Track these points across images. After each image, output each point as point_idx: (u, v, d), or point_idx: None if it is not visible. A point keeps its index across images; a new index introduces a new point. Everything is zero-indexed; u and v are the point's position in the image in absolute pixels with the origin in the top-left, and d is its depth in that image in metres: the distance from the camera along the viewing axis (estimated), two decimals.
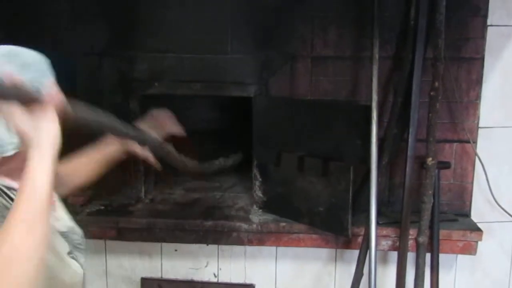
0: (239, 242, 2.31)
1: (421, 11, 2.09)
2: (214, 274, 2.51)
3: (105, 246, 2.54)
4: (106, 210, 2.45)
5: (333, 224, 2.12)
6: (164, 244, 2.50)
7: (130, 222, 2.35)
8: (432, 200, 1.98)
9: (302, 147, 2.24)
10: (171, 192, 2.68)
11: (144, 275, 2.54)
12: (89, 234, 2.31)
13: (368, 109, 2.09)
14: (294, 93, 2.35)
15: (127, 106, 2.44)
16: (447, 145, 2.33)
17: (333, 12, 2.30)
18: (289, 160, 2.26)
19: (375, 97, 2.05)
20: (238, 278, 2.50)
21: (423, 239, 1.99)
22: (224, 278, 2.51)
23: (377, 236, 2.01)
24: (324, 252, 2.41)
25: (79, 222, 2.29)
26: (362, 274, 2.12)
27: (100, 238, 2.41)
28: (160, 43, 2.38)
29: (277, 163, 2.30)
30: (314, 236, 2.25)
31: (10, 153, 1.17)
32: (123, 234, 2.36)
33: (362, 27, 2.30)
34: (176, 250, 2.51)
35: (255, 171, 2.39)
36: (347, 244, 2.23)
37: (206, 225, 2.30)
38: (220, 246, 2.48)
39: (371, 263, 1.99)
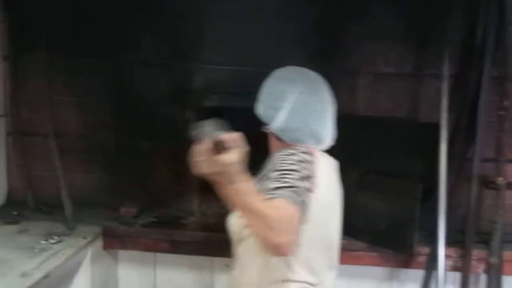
0: None
1: (490, 30, 2.08)
2: None
3: (155, 259, 2.51)
4: (158, 222, 2.42)
5: (396, 242, 2.09)
6: (215, 258, 2.46)
7: (184, 235, 2.32)
8: (503, 220, 1.94)
9: (362, 164, 2.21)
10: (221, 205, 2.64)
11: None
12: (142, 246, 2.32)
13: (435, 127, 2.07)
14: (353, 109, 2.34)
15: (183, 116, 2.42)
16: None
17: (395, 30, 2.30)
18: (349, 176, 2.22)
19: (444, 115, 2.03)
20: None
21: (494, 260, 1.95)
22: None
23: (446, 256, 1.97)
24: (380, 271, 2.37)
25: (132, 234, 2.31)
26: None
27: (153, 250, 2.38)
28: (217, 56, 2.38)
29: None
30: (372, 254, 2.21)
31: None
32: (177, 247, 2.33)
33: (422, 45, 2.29)
34: (227, 265, 2.47)
35: None
36: (407, 263, 2.19)
37: None
38: None
39: (440, 284, 1.95)
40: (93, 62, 2.45)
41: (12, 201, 2.59)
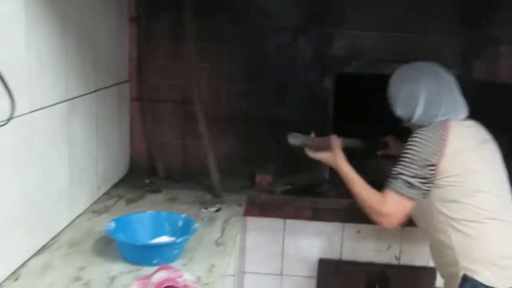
0: None
1: None
2: (396, 257, 2.49)
3: (284, 226, 2.50)
4: (293, 189, 2.40)
5: None
6: (346, 225, 2.47)
7: (328, 202, 2.31)
8: None
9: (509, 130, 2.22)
10: None
11: (322, 256, 2.51)
12: (284, 214, 2.31)
13: None
14: (496, 76, 2.33)
15: (321, 84, 2.39)
16: None
17: None
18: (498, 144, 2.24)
19: None
20: (420, 261, 2.48)
21: None
22: (405, 261, 2.49)
23: None
24: None
25: (275, 201, 2.29)
26: None
27: (294, 218, 2.36)
28: (359, 21, 2.34)
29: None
30: None
31: None
32: (319, 215, 2.32)
33: None
34: (359, 232, 2.48)
35: None
36: None
37: None
38: (404, 228, 2.45)
39: None
40: (227, 27, 2.37)
41: (134, 169, 2.53)
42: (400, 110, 1.90)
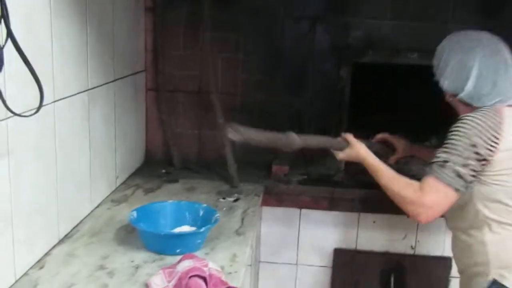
0: None
1: None
2: (412, 246, 2.50)
3: (300, 215, 2.50)
4: (309, 179, 2.41)
5: None
6: (362, 215, 2.47)
7: (344, 192, 2.31)
8: None
9: None
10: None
11: (337, 246, 2.52)
12: (300, 203, 2.31)
13: None
14: None
15: (338, 73, 2.38)
16: None
17: None
18: None
19: None
20: (435, 251, 2.48)
21: None
22: (421, 251, 2.50)
23: None
24: None
25: (292, 191, 2.29)
26: None
27: (311, 208, 2.37)
28: (377, 9, 2.32)
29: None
30: None
31: None
32: (335, 205, 2.33)
33: None
34: (374, 222, 2.48)
35: None
36: None
37: None
38: None
39: None
40: (244, 17, 2.37)
41: (150, 159, 2.54)
42: (447, 82, 1.67)
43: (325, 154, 2.45)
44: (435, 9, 2.30)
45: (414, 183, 1.63)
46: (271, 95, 2.43)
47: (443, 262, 2.44)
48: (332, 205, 2.33)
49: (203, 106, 2.43)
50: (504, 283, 1.60)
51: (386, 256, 2.50)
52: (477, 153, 1.54)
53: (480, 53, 1.61)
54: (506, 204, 1.59)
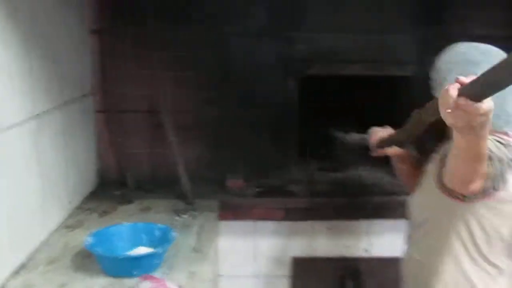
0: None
1: None
2: (366, 250, 2.57)
3: (257, 227, 2.53)
4: (263, 191, 2.45)
5: None
6: (316, 222, 2.52)
7: (298, 202, 2.37)
8: None
9: None
10: (309, 173, 2.70)
11: (295, 255, 2.56)
12: (256, 215, 2.35)
13: None
14: None
15: (286, 86, 2.44)
16: None
17: None
18: None
19: None
20: (389, 252, 2.56)
21: None
22: (375, 253, 2.57)
23: None
24: None
25: (247, 204, 2.32)
26: None
27: (267, 219, 2.41)
28: (319, 23, 2.40)
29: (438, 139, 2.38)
30: None
31: None
32: (290, 215, 2.38)
33: None
34: (329, 229, 2.54)
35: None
36: None
37: (376, 201, 2.35)
38: (372, 222, 2.53)
39: None
40: (192, 35, 2.39)
41: (103, 181, 2.52)
42: None
43: (279, 165, 2.52)
44: (375, 21, 2.39)
45: None
46: (222, 110, 2.47)
47: (397, 262, 2.51)
48: (287, 215, 2.38)
49: (155, 125, 2.44)
50: None
51: (342, 261, 2.56)
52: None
53: (485, 68, 1.29)
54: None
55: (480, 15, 2.42)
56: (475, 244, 1.50)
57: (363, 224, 2.53)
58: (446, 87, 1.06)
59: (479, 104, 1.01)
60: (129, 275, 1.56)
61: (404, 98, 2.52)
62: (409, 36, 2.40)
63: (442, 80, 1.51)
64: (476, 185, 1.33)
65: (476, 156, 1.24)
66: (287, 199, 2.37)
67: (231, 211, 2.35)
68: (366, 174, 2.66)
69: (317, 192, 2.45)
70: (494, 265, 1.52)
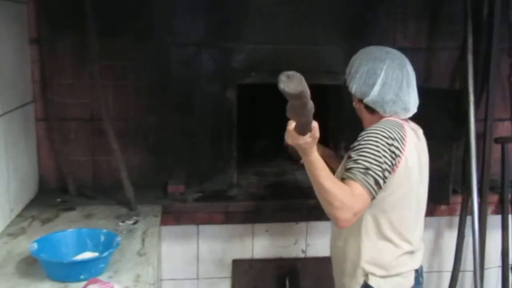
0: None
1: (496, 10, 2.46)
2: (302, 250, 2.70)
3: (198, 231, 2.61)
4: (204, 196, 2.54)
5: (434, 195, 2.41)
6: (255, 225, 2.63)
7: (237, 206, 2.47)
8: None
9: None
10: (248, 178, 2.81)
11: (235, 257, 2.66)
12: (198, 220, 2.44)
13: (461, 93, 2.41)
14: None
15: (224, 95, 2.54)
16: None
17: (412, 8, 2.60)
18: None
19: (471, 82, 2.38)
20: (324, 252, 2.70)
21: None
22: (311, 253, 2.71)
23: (479, 203, 2.35)
24: None
25: (189, 209, 2.41)
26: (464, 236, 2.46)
27: (208, 223, 2.49)
28: (255, 35, 2.51)
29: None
30: None
31: None
32: (230, 218, 2.48)
33: (435, 21, 2.62)
34: (267, 231, 2.66)
35: (343, 153, 2.61)
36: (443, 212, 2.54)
37: (311, 203, 2.48)
38: (308, 224, 2.67)
39: (475, 225, 2.33)
40: (131, 45, 2.45)
41: (44, 189, 2.53)
42: (356, 86, 1.81)
43: (219, 170, 2.61)
44: (309, 33, 2.53)
45: (346, 187, 1.60)
46: (162, 118, 2.53)
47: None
48: (227, 218, 2.48)
49: (96, 133, 2.48)
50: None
51: (280, 261, 2.69)
52: (391, 163, 1.65)
53: (388, 64, 1.77)
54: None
55: (404, 27, 2.60)
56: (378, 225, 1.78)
57: (300, 226, 2.66)
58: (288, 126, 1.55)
59: (301, 136, 1.54)
60: (75, 279, 1.61)
61: (334, 105, 2.68)
62: (340, 48, 2.55)
63: (354, 73, 1.83)
64: (358, 205, 1.61)
65: (320, 190, 1.61)
66: (226, 203, 2.46)
67: (173, 216, 2.42)
68: (303, 178, 2.79)
69: (256, 196, 2.56)
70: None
